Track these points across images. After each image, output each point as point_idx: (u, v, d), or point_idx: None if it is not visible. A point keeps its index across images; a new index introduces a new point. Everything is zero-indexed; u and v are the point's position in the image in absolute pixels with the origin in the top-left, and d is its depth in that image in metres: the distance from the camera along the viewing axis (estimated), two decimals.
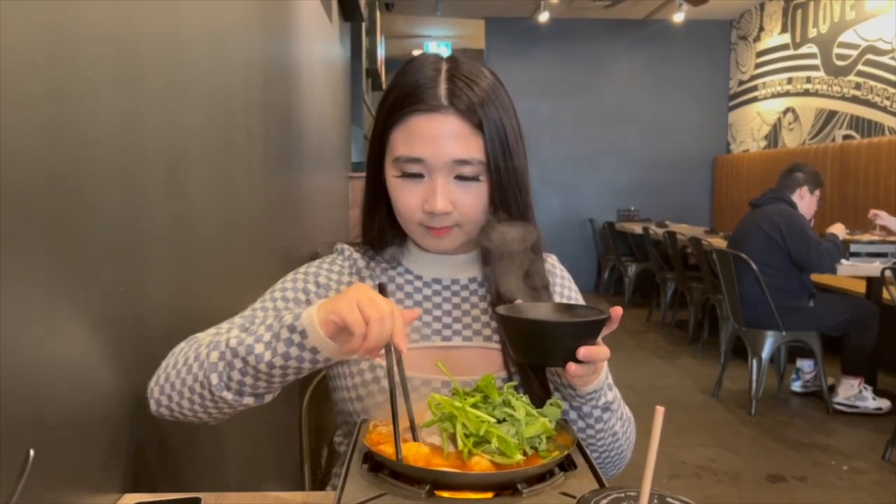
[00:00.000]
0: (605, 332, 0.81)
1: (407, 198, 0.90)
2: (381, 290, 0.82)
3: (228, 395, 0.77)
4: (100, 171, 0.79)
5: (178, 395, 0.80)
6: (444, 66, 0.90)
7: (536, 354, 0.81)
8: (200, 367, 0.78)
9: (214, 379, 0.77)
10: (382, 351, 0.74)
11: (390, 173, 0.91)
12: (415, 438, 0.76)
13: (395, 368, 0.77)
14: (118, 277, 0.85)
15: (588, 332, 0.79)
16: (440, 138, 0.87)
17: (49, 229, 0.68)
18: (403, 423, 0.75)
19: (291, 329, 0.73)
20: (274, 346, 0.74)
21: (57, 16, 0.69)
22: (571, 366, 0.78)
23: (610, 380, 0.90)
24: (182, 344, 0.87)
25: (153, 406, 0.84)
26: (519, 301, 0.88)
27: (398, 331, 0.72)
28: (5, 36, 0.60)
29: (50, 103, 0.68)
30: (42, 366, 0.66)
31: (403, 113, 0.88)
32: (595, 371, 0.82)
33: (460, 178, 0.89)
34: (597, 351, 0.78)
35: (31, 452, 0.51)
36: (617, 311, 0.80)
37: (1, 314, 0.59)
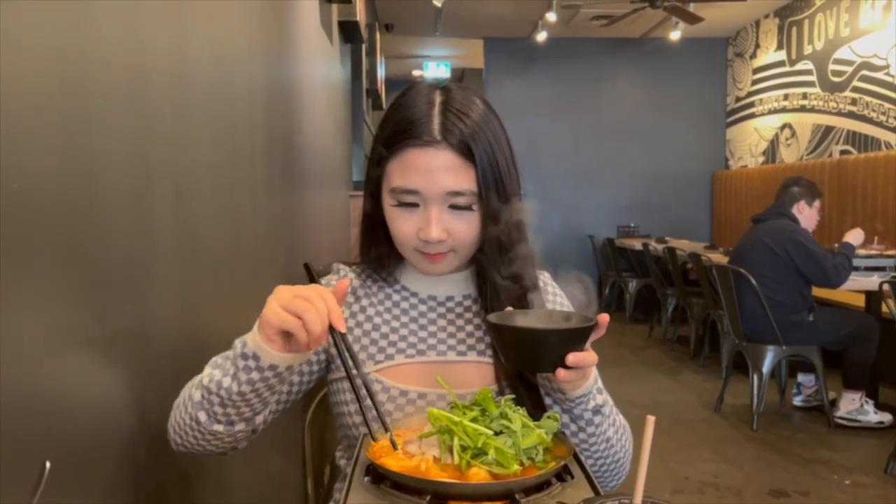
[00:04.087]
0: (592, 337, 0.84)
1: (403, 226, 0.94)
2: (307, 269, 0.86)
3: (219, 428, 0.84)
4: (109, 192, 0.82)
5: (184, 434, 0.87)
6: (438, 100, 0.93)
7: (527, 361, 0.84)
8: (193, 407, 0.85)
9: (203, 416, 0.84)
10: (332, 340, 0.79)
11: (387, 202, 0.95)
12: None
13: (343, 348, 0.81)
14: (127, 296, 0.87)
15: (577, 338, 0.82)
16: (434, 171, 0.90)
17: (61, 249, 0.70)
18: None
19: (244, 357, 0.79)
20: (238, 376, 0.80)
21: (68, 43, 0.72)
22: (560, 371, 0.81)
23: (600, 384, 0.93)
24: (188, 383, 0.92)
25: (173, 446, 0.90)
26: (509, 308, 0.92)
27: (333, 311, 0.76)
28: (22, 63, 0.63)
29: (63, 128, 0.71)
30: (53, 384, 0.68)
31: (399, 146, 0.92)
32: (584, 376, 0.86)
33: (454, 207, 0.92)
34: (585, 357, 0.81)
35: (48, 464, 0.53)
36: (604, 317, 0.83)
37: (17, 332, 0.61)
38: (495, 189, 0.92)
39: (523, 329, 0.84)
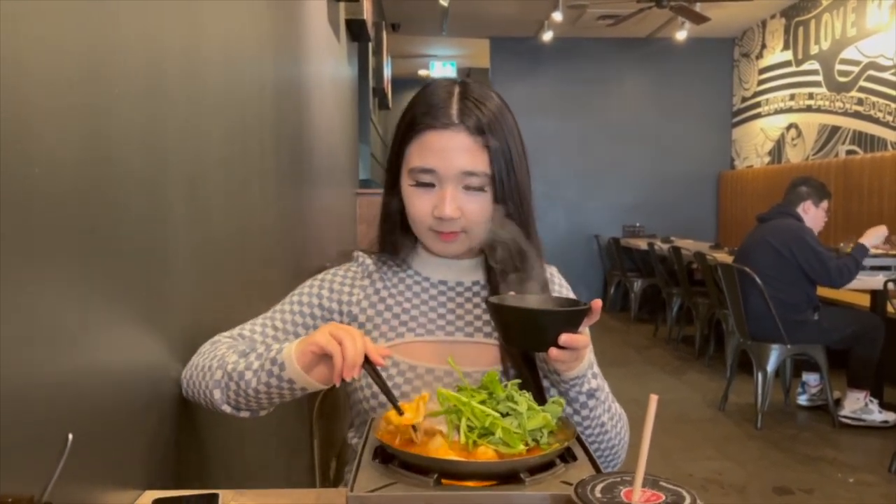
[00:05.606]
0: (587, 322, 0.89)
1: (419, 204, 1.00)
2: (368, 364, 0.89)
3: (227, 409, 0.94)
4: (127, 182, 0.85)
5: (196, 394, 0.98)
6: (457, 90, 1.00)
7: (522, 340, 0.90)
8: (212, 378, 0.93)
9: (217, 394, 0.93)
10: (363, 373, 0.83)
11: (406, 183, 1.01)
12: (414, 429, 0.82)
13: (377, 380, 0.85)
14: (143, 282, 0.90)
15: (570, 320, 0.87)
16: (450, 152, 0.97)
17: (83, 237, 0.73)
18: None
19: (273, 362, 0.87)
20: (259, 374, 0.89)
21: (91, 37, 0.75)
22: (553, 351, 0.86)
23: (595, 369, 0.98)
24: (207, 345, 1.00)
25: (183, 392, 1.00)
26: (511, 293, 0.96)
27: (371, 348, 0.83)
28: (48, 59, 0.65)
29: (84, 118, 0.73)
30: (75, 364, 0.71)
31: (419, 129, 0.99)
32: (577, 358, 0.90)
33: (467, 188, 0.98)
34: (577, 338, 0.86)
35: (70, 436, 0.56)
36: (597, 303, 0.88)
37: (40, 314, 0.63)
38: (506, 173, 0.98)
39: (519, 309, 0.90)
